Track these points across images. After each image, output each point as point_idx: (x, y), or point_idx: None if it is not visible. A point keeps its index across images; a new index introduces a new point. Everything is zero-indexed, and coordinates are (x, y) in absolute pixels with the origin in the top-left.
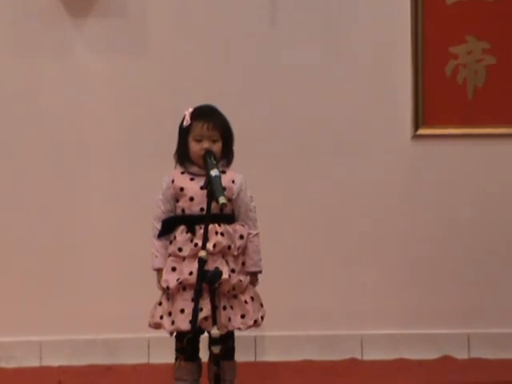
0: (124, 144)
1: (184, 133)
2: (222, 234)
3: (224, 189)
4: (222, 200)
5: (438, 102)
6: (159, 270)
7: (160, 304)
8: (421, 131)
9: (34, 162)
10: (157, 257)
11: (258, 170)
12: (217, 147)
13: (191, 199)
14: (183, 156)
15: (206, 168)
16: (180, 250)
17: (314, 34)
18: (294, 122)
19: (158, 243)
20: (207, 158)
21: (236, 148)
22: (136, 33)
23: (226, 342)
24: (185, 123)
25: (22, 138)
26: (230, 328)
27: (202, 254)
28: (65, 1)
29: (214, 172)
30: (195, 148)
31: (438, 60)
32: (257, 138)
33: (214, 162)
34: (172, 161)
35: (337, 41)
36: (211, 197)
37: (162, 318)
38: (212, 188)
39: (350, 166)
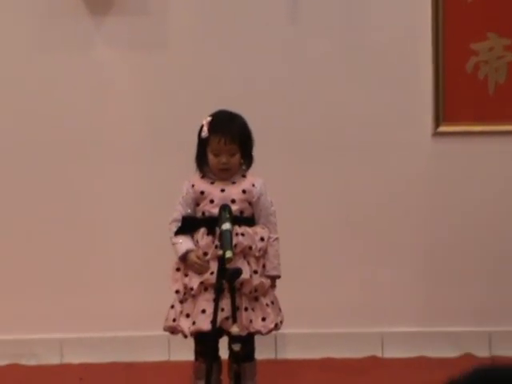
0: (144, 141)
1: (202, 143)
2: (242, 235)
3: (242, 214)
4: (228, 254)
5: (458, 99)
6: (189, 253)
7: (172, 307)
8: (442, 128)
9: (54, 159)
10: (181, 243)
11: (276, 168)
12: (235, 160)
13: (211, 201)
14: (202, 164)
15: (219, 221)
16: (205, 254)
17: (334, 30)
18: (314, 120)
19: (178, 236)
20: (222, 212)
21: (257, 146)
22: (157, 30)
23: (246, 344)
24: (203, 134)
25: (42, 134)
26: (252, 330)
27: (229, 254)
28: None
29: (225, 226)
30: (213, 161)
31: (458, 57)
32: (277, 135)
33: (227, 216)
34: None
35: (357, 38)
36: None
37: (174, 320)
38: (221, 242)
39: (369, 164)
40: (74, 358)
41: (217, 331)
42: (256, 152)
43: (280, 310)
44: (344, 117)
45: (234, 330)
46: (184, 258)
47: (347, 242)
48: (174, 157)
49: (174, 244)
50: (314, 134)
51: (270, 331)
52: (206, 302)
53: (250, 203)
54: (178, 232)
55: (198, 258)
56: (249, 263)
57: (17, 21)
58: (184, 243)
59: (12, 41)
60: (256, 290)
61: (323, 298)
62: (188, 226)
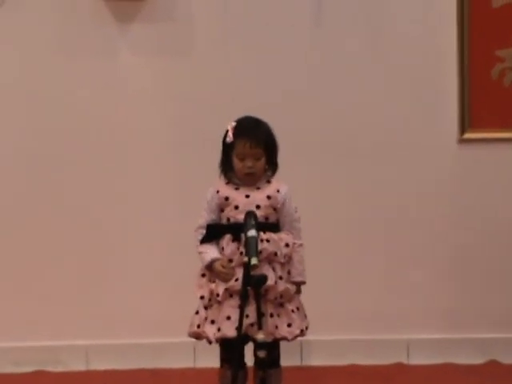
0: (169, 147)
1: (227, 148)
2: (267, 241)
3: (267, 220)
4: (253, 261)
5: (484, 106)
6: (214, 262)
7: (197, 313)
8: (467, 135)
9: (78, 163)
10: (207, 252)
11: (300, 173)
12: (260, 164)
13: (236, 207)
14: (227, 170)
15: (245, 228)
16: (231, 261)
17: (359, 33)
18: (338, 124)
19: (203, 245)
20: (247, 218)
21: (281, 151)
22: (182, 36)
23: (272, 350)
24: (227, 140)
25: (66, 138)
26: (278, 336)
27: (254, 261)
28: (110, 5)
29: (250, 233)
30: (238, 166)
31: (484, 63)
32: (302, 140)
33: (253, 223)
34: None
35: (381, 43)
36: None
37: (198, 326)
38: (247, 248)
39: (395, 170)
40: (100, 365)
41: (242, 338)
42: (280, 158)
43: (305, 316)
44: (369, 122)
45: (260, 336)
46: (209, 267)
47: (372, 248)
48: (198, 162)
49: (199, 253)
50: (339, 139)
51: (295, 337)
52: (231, 308)
53: (274, 209)
54: (204, 240)
55: (223, 266)
56: (274, 269)
57: (42, 27)
58: (209, 252)
59: (37, 47)
60: (281, 296)
61: (348, 305)
62: (213, 233)
